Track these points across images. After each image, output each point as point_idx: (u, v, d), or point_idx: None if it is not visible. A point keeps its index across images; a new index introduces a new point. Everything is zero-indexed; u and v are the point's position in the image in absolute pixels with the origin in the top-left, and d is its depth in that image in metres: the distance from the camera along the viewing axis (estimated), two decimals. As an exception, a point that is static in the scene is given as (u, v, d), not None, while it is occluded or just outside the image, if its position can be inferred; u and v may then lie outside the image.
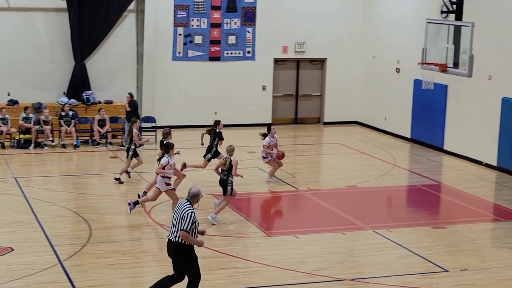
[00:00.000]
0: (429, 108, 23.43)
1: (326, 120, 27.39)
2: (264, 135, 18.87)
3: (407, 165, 21.61)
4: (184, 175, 16.84)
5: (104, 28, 24.42)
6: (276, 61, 26.70)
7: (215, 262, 13.25)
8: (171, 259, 11.07)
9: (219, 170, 15.48)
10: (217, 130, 18.51)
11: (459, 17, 18.45)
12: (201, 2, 25.34)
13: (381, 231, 15.04)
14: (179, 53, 25.44)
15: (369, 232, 15.08)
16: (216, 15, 25.53)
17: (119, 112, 24.05)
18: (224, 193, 15.48)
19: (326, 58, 27.13)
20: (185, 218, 10.60)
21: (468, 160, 21.79)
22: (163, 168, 15.12)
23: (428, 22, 18.55)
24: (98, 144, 22.67)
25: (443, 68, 17.74)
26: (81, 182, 18.79)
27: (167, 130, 17.02)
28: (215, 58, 25.78)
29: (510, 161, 20.20)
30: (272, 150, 18.66)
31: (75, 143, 22.48)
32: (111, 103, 24.40)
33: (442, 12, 20.54)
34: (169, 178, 15.29)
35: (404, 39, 24.58)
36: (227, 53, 25.89)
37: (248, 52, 26.13)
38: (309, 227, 15.14)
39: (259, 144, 22.93)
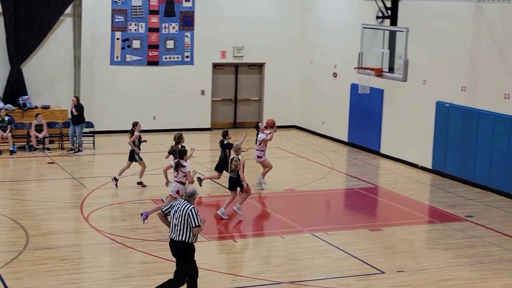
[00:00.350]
0: (365, 112, 23.77)
1: (265, 124, 27.47)
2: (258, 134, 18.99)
3: (344, 168, 21.88)
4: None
5: (40, 32, 24.12)
6: (215, 65, 26.74)
7: (154, 267, 13.21)
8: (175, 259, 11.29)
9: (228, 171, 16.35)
10: (225, 142, 18.29)
11: (394, 22, 18.77)
12: (139, 6, 25.25)
13: (319, 234, 15.20)
14: (117, 57, 25.29)
15: (308, 235, 15.22)
16: (154, 19, 25.46)
17: (56, 117, 23.77)
18: (241, 188, 16.15)
19: (264, 63, 27.29)
20: (192, 216, 10.93)
21: (404, 163, 22.17)
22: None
23: (364, 27, 18.82)
24: (35, 149, 22.37)
25: (379, 73, 18.02)
26: (18, 188, 18.52)
27: (179, 134, 17.03)
28: (153, 62, 25.70)
29: (444, 164, 20.63)
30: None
31: (11, 148, 22.13)
32: (48, 108, 24.10)
33: (378, 17, 20.89)
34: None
35: (341, 44, 24.90)
36: (166, 58, 25.83)
37: (187, 57, 26.12)
38: (248, 231, 15.23)
39: (197, 148, 22.94)
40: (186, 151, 15.50)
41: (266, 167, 18.85)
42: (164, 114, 25.85)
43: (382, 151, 23.19)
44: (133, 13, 25.21)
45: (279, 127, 26.47)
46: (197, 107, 26.47)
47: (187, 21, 25.90)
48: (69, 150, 22.64)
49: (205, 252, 14.11)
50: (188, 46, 26.06)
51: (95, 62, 25.00)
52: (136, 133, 18.77)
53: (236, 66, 27.17)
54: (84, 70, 24.76)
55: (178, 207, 11.10)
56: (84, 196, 17.77)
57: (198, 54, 26.21)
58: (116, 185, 18.51)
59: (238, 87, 27.38)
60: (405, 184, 19.94)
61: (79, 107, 22.55)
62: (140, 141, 18.96)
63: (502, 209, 17.71)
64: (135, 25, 25.29)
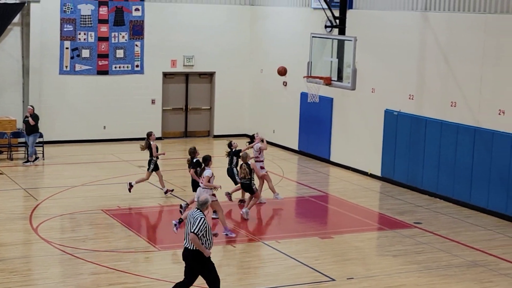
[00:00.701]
0: (315, 120, 23.96)
1: (215, 133, 27.56)
2: (250, 143, 18.86)
3: (295, 176, 22.00)
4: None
5: (-13, 42, 23.85)
6: (165, 74, 26.70)
7: (104, 278, 13.12)
8: (185, 265, 11.44)
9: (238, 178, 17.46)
10: (234, 150, 18.27)
11: (342, 31, 18.94)
12: (88, 15, 25.08)
13: (270, 243, 15.26)
14: (66, 67, 25.07)
15: (259, 244, 15.27)
16: (104, 28, 25.32)
17: (5, 128, 23.43)
18: (251, 192, 16.95)
19: (214, 72, 27.33)
20: (195, 222, 11.05)
21: (354, 171, 22.38)
22: (209, 180, 15.25)
23: (313, 36, 18.96)
24: (-16, 160, 22.07)
25: (328, 82, 18.13)
26: (-35, 200, 18.25)
27: (193, 149, 17.08)
28: (103, 72, 25.55)
29: (393, 171, 20.89)
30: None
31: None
32: (-4, 118, 23.80)
33: (326, 26, 21.08)
34: (213, 189, 15.48)
35: (290, 53, 25.06)
36: (115, 67, 25.69)
37: (137, 66, 26.02)
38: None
39: (148, 158, 22.86)
40: (210, 157, 15.79)
41: (268, 180, 18.50)
42: (114, 123, 25.70)
43: (332, 159, 23.38)
44: (82, 22, 25.03)
45: (229, 136, 26.65)
46: (147, 116, 26.36)
47: (137, 30, 25.82)
48: (25, 162, 22.33)
49: (156, 262, 14.09)
50: (138, 55, 25.96)
51: (44, 71, 24.76)
52: (153, 143, 18.60)
53: (187, 75, 27.15)
54: (33, 79, 24.50)
55: (191, 215, 11.29)
56: (33, 207, 17.56)
57: (148, 63, 26.14)
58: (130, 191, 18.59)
59: (189, 96, 27.36)
60: (355, 191, 20.14)
61: (35, 117, 22.31)
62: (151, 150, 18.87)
63: (450, 215, 17.99)
64: (85, 34, 25.11)
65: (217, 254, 14.51)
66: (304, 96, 23.81)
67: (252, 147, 18.59)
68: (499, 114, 17.82)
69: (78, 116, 25.27)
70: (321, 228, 16.76)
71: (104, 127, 25.18)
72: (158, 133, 26.49)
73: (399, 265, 14.25)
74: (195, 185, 16.46)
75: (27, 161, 22.25)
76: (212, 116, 27.64)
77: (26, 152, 22.54)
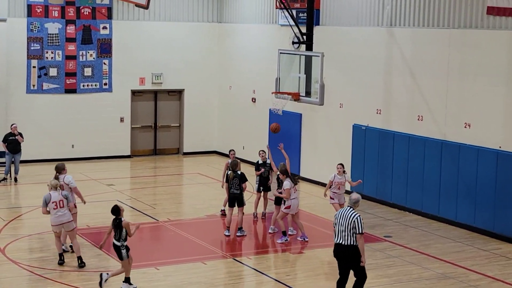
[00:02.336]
0: (285, 136, 23.96)
1: (185, 150, 27.51)
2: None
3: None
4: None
5: (-47, 61, 23.60)
6: (134, 92, 26.63)
7: (74, 298, 13.02)
8: (338, 264, 12.24)
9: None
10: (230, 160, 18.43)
11: (309, 47, 19.08)
12: (55, 34, 24.96)
13: (241, 259, 15.24)
14: (34, 86, 24.91)
15: (230, 260, 15.24)
16: (71, 47, 25.21)
17: (-29, 147, 23.20)
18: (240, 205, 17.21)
19: (183, 89, 27.32)
20: (357, 223, 11.94)
21: (324, 186, 22.31)
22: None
23: (281, 53, 19.07)
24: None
25: (296, 97, 18.25)
26: None
27: (236, 162, 17.44)
28: (71, 90, 25.41)
29: (363, 185, 20.91)
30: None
31: None
32: (-38, 138, 23.51)
33: (294, 43, 21.21)
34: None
35: (259, 70, 25.15)
36: (84, 85, 25.58)
37: (105, 84, 25.92)
38: (170, 258, 15.13)
39: (117, 176, 22.78)
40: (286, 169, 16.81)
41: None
42: (83, 142, 25.55)
43: (302, 174, 23.43)
44: (49, 41, 24.90)
45: (199, 153, 26.64)
46: (116, 134, 26.26)
47: (105, 48, 25.74)
48: (2, 180, 22.14)
49: (127, 281, 13.97)
50: (106, 73, 25.88)
51: (10, 90, 24.57)
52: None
53: (155, 93, 27.11)
54: (-1, 99, 24.32)
55: (343, 214, 12.06)
56: (0, 227, 17.36)
57: (117, 81, 26.05)
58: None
59: (158, 114, 27.31)
60: (325, 206, 20.10)
61: (21, 134, 22.18)
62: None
63: (419, 228, 18.10)
64: (52, 53, 24.98)
65: (187, 272, 14.48)
66: (272, 112, 23.86)
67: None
68: (465, 127, 18.03)
69: (46, 135, 25.08)
70: (292, 243, 16.75)
71: (73, 146, 25.02)
72: (127, 151, 26.45)
73: (371, 279, 14.24)
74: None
75: (4, 179, 22.14)
76: (182, 133, 27.59)
77: (10, 171, 22.30)
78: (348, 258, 12.08)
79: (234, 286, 13.88)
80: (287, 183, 16.36)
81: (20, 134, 22.20)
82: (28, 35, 24.66)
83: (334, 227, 12.28)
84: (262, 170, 18.58)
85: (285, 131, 23.84)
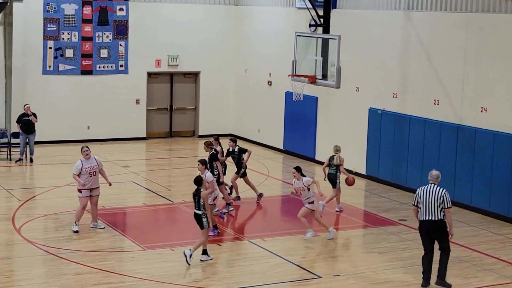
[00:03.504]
0: (300, 119, 23.97)
1: (200, 133, 27.51)
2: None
3: (280, 175, 21.99)
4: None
5: (-31, 42, 23.68)
6: (150, 74, 26.63)
7: (89, 278, 13.07)
8: (425, 239, 12.88)
9: (325, 170, 17.85)
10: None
11: (326, 30, 18.99)
12: (72, 15, 24.98)
13: (256, 241, 15.24)
14: (50, 67, 24.95)
15: (244, 242, 15.25)
16: (88, 28, 25.22)
17: (-12, 128, 23.37)
18: (334, 186, 17.80)
19: (199, 72, 27.29)
20: (446, 197, 12.62)
21: (339, 169, 22.35)
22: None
23: (298, 35, 18.99)
24: (-35, 161, 21.92)
25: (313, 80, 18.16)
26: None
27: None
28: (87, 71, 25.45)
29: (378, 169, 20.93)
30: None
31: None
32: (-22, 118, 23.67)
33: (311, 25, 21.08)
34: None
35: (275, 52, 25.08)
36: (99, 67, 25.60)
37: (121, 66, 25.94)
38: (185, 239, 15.12)
39: (133, 158, 22.83)
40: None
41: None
42: (99, 124, 25.60)
43: (317, 157, 23.39)
44: (65, 22, 24.92)
45: (214, 135, 26.61)
46: (132, 116, 26.30)
47: (121, 30, 25.73)
48: (18, 160, 22.27)
49: (141, 262, 14.03)
50: (122, 55, 25.88)
51: (27, 71, 24.62)
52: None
53: (171, 75, 27.10)
54: (15, 80, 24.34)
55: (428, 191, 12.73)
56: (15, 207, 17.46)
57: (133, 63, 26.06)
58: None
59: (174, 96, 27.32)
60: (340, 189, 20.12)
61: (35, 115, 22.31)
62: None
63: (434, 212, 18.02)
64: (68, 34, 25.00)
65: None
66: (289, 95, 23.82)
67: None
68: (481, 111, 17.91)
69: (62, 116, 25.14)
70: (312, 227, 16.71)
71: (88, 127, 25.07)
72: (142, 133, 26.51)
73: (385, 262, 14.28)
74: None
75: (20, 159, 22.30)
76: (197, 116, 27.60)
77: (25, 151, 22.49)
78: (438, 232, 12.70)
79: (248, 268, 13.88)
80: (209, 175, 15.16)
81: (34, 115, 22.29)
82: (45, 16, 24.68)
83: (416, 205, 12.91)
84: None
85: (300, 114, 23.84)
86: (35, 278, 13.03)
